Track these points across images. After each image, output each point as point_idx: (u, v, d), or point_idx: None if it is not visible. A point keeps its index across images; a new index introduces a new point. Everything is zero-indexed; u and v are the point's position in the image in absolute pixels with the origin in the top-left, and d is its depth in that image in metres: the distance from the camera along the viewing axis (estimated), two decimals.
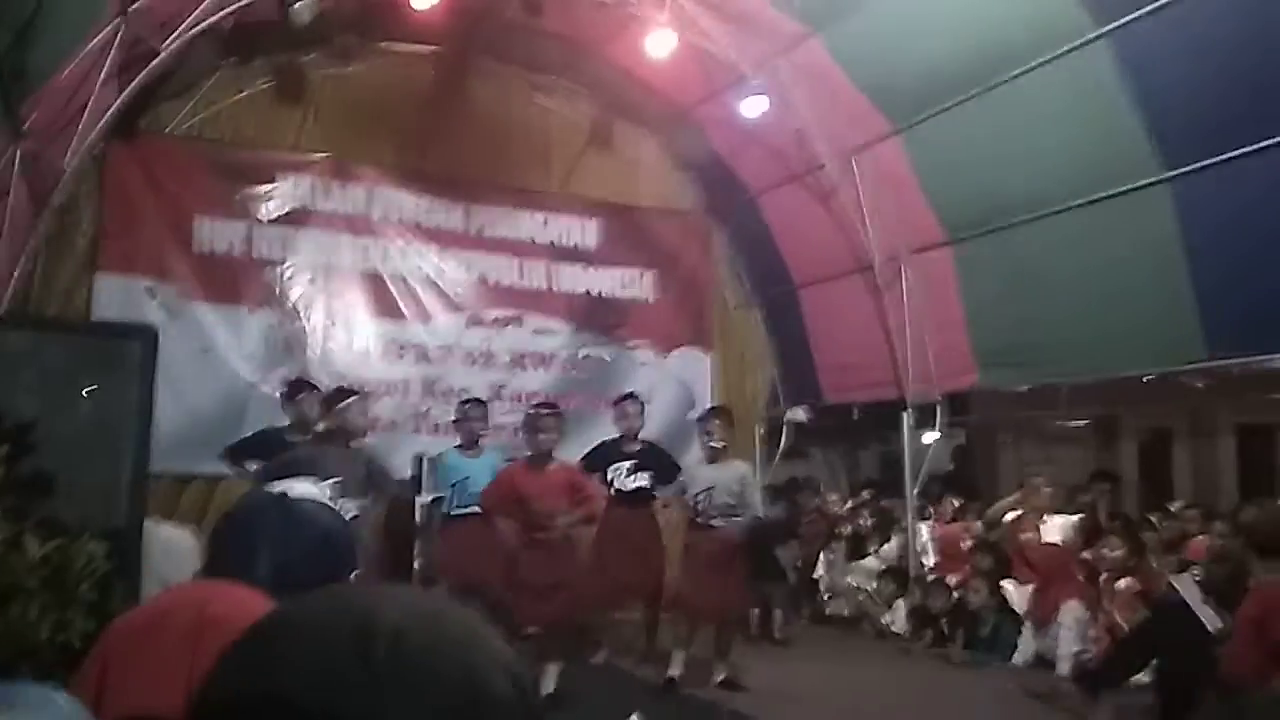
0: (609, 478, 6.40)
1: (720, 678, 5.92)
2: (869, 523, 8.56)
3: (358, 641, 0.55)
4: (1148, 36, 5.58)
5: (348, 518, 5.89)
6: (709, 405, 7.42)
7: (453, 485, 6.33)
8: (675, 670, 5.82)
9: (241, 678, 0.58)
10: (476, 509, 6.03)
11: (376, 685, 0.53)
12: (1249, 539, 4.29)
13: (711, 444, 6.08)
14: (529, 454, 5.94)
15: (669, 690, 5.72)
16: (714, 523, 5.92)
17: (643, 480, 6.40)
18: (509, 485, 5.84)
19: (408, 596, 0.61)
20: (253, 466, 5.58)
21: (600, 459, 6.51)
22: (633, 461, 6.44)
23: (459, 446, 6.51)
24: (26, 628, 2.10)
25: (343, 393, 5.82)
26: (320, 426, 5.69)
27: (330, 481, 5.72)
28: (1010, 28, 6.09)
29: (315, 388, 5.99)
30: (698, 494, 6.01)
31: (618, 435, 6.60)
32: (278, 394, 6.30)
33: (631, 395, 6.84)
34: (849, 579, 8.21)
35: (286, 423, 5.81)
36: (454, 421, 6.73)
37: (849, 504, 9.02)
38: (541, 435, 5.83)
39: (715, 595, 5.87)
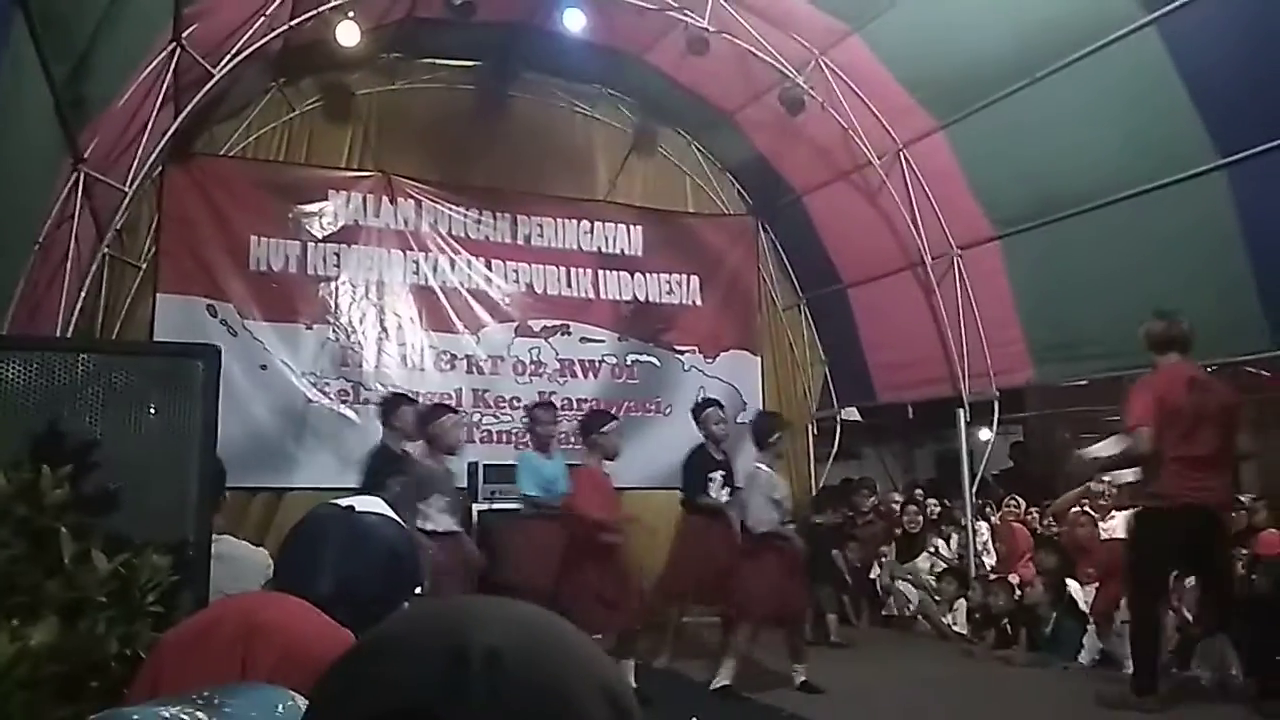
0: (707, 487, 6.20)
1: (800, 680, 5.84)
2: (924, 522, 8.46)
3: (451, 665, 0.54)
4: (1196, 22, 5.47)
5: (453, 532, 5.74)
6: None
7: (541, 486, 6.15)
8: (725, 679, 5.73)
9: (335, 707, 0.57)
10: (553, 509, 5.88)
11: (469, 713, 0.52)
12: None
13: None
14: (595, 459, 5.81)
15: (722, 697, 5.65)
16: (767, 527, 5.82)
17: (728, 495, 6.21)
18: (598, 483, 5.71)
19: (503, 611, 0.59)
20: (396, 488, 5.55)
21: (700, 467, 6.28)
22: (722, 473, 6.26)
23: (537, 450, 6.36)
24: (96, 641, 2.15)
25: (439, 409, 5.81)
26: (420, 443, 5.66)
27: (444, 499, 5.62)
28: (1055, 17, 6.00)
29: (413, 402, 6.00)
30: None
31: (703, 442, 6.37)
32: (379, 410, 6.19)
33: (715, 402, 6.62)
34: (903, 580, 8.11)
35: (381, 441, 5.76)
36: (526, 427, 6.71)
37: (904, 504, 8.91)
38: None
39: (778, 599, 5.78)
